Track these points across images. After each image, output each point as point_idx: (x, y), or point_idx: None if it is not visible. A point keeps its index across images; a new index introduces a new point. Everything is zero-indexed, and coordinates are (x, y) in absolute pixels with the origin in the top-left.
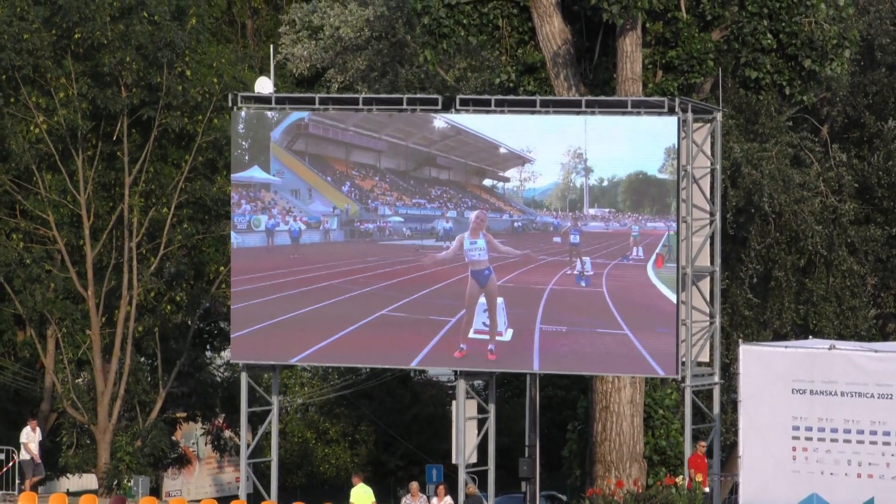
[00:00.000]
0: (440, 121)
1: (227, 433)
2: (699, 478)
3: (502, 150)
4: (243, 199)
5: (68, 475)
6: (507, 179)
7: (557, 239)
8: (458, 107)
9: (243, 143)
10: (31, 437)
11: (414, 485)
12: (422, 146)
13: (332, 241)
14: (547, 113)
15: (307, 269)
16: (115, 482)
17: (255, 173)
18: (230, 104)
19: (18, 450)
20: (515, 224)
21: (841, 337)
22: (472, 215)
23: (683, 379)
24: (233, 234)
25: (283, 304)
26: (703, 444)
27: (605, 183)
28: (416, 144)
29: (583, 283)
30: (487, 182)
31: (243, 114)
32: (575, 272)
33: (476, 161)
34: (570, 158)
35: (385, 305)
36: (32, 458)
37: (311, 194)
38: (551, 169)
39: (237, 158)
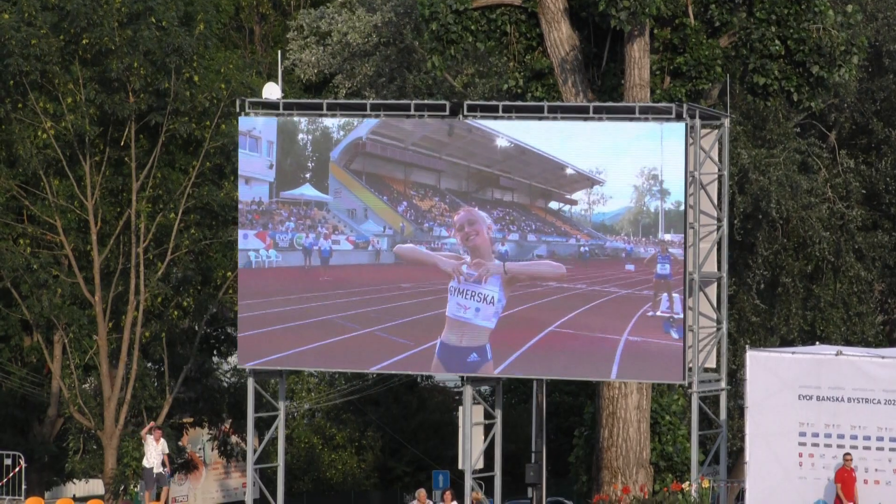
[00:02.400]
0: (503, 139)
1: (234, 438)
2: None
3: (569, 171)
4: (292, 215)
5: (75, 480)
6: (574, 202)
7: (630, 266)
8: (465, 113)
9: (289, 159)
10: (152, 447)
11: (421, 492)
12: (484, 166)
13: (382, 262)
14: (555, 119)
15: (338, 293)
16: (122, 487)
17: (307, 191)
18: (238, 110)
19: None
20: (582, 249)
21: (848, 343)
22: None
23: (690, 385)
24: (273, 253)
25: (305, 324)
26: (850, 456)
27: (683, 207)
28: (478, 164)
29: (674, 334)
30: (553, 205)
31: (303, 126)
32: (659, 313)
33: (541, 182)
34: (644, 180)
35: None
36: (153, 467)
37: (367, 214)
38: (623, 192)
39: (285, 172)
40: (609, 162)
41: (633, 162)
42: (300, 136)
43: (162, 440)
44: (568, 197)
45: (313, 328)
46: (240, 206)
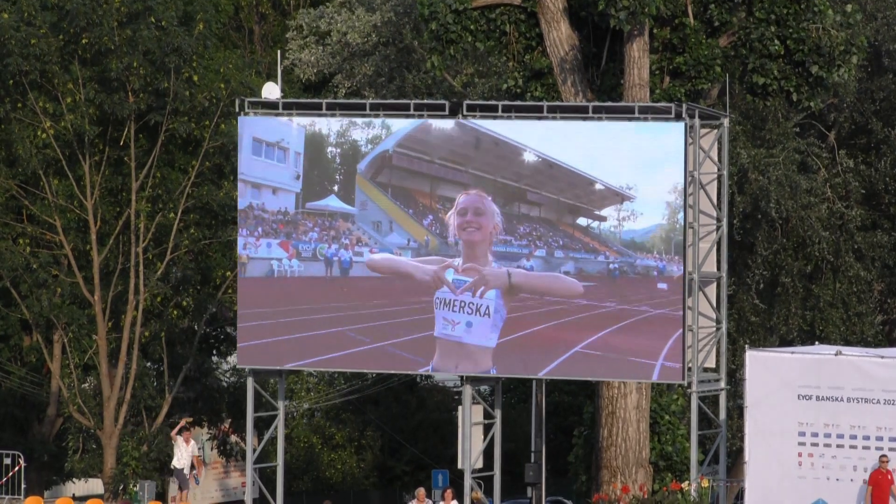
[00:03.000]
0: (531, 154)
1: (234, 438)
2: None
3: (598, 187)
4: (317, 226)
5: (74, 479)
6: (603, 218)
7: (663, 285)
8: (465, 112)
9: (316, 171)
10: (182, 448)
11: (420, 491)
12: (511, 181)
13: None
14: (554, 118)
15: (357, 303)
16: (121, 487)
17: (332, 202)
18: (237, 109)
19: (30, 455)
20: (611, 266)
21: (847, 343)
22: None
23: (690, 384)
24: (295, 262)
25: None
26: (886, 458)
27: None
28: (504, 179)
29: None
30: (582, 221)
31: (332, 140)
32: None
33: (570, 198)
34: (677, 196)
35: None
36: (184, 468)
37: (392, 226)
38: (655, 208)
39: (312, 183)
40: (640, 178)
41: (665, 178)
42: (329, 148)
43: (192, 441)
44: (597, 213)
45: (318, 339)
46: (265, 216)
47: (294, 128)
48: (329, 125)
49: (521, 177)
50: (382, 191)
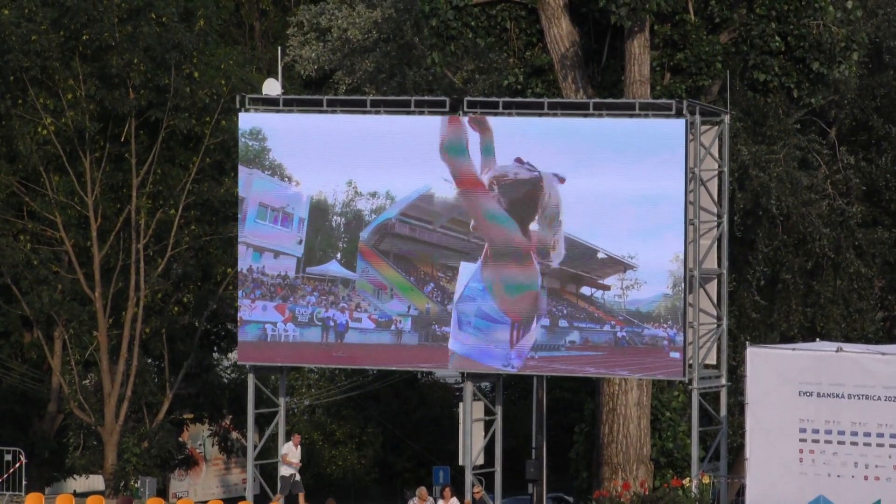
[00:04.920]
0: (534, 223)
1: (234, 434)
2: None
3: (601, 256)
4: (316, 290)
5: (75, 476)
6: (607, 287)
7: (676, 354)
8: (465, 109)
9: (319, 237)
10: (292, 452)
11: (422, 490)
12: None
13: (404, 343)
14: (555, 115)
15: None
16: (122, 483)
17: (332, 267)
18: (238, 106)
19: (31, 452)
20: (619, 335)
21: (848, 339)
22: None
23: (690, 381)
24: (290, 326)
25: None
26: None
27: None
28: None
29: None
30: (585, 290)
31: (338, 209)
32: None
33: (572, 267)
34: (679, 266)
35: None
36: (293, 474)
37: (392, 294)
38: (658, 277)
39: (314, 249)
40: (641, 246)
41: (665, 246)
42: (333, 217)
43: (299, 446)
44: (600, 282)
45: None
46: (264, 279)
47: (302, 196)
48: (335, 195)
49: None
50: (384, 258)
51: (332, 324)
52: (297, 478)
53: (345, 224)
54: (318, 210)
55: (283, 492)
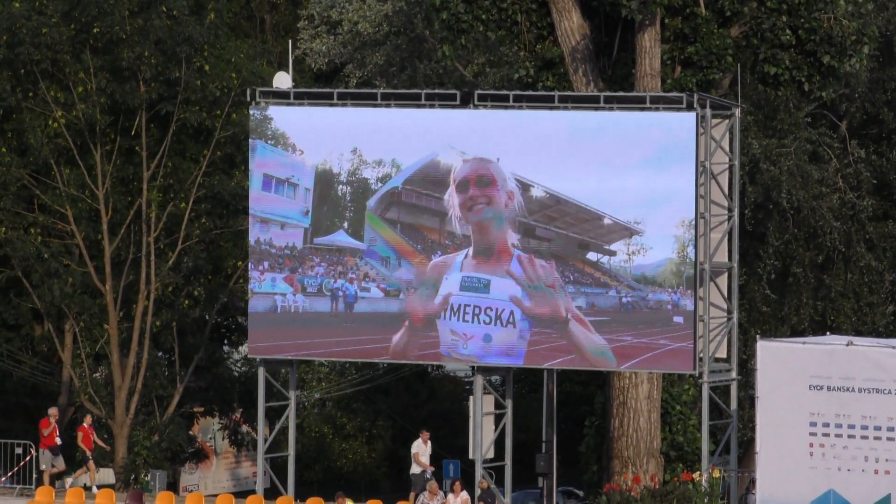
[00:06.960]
0: (538, 189)
1: (245, 428)
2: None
3: (606, 221)
4: (324, 261)
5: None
6: (612, 253)
7: (679, 318)
8: (476, 102)
9: (326, 207)
10: (422, 450)
11: (433, 484)
12: (520, 216)
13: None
14: (565, 108)
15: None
16: (133, 476)
17: (340, 237)
18: (248, 99)
19: (36, 445)
20: (624, 301)
21: (858, 333)
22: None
23: (701, 375)
24: (300, 297)
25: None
26: None
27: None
28: (514, 214)
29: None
30: (592, 256)
31: (343, 178)
32: None
33: (578, 233)
34: (685, 230)
35: None
36: (424, 471)
37: (401, 262)
38: (663, 242)
39: (321, 219)
40: (647, 212)
41: (672, 211)
42: (339, 186)
43: (429, 443)
44: (606, 248)
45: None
46: (272, 251)
47: (306, 165)
48: (340, 164)
49: (530, 212)
50: (391, 227)
51: (340, 294)
52: (428, 475)
53: (351, 193)
54: (324, 179)
55: (417, 489)
